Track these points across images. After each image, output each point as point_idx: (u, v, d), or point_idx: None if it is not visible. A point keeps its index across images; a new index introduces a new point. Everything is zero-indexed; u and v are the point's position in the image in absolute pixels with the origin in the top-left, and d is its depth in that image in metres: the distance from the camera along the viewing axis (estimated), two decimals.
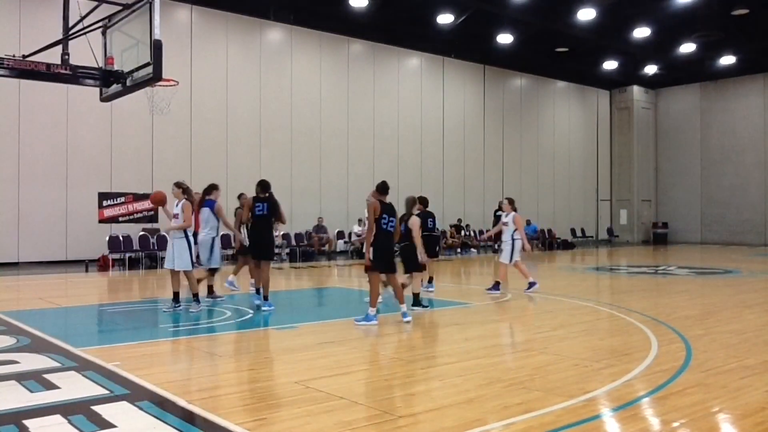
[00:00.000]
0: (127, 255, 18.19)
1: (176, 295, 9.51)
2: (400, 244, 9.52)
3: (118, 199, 18.67)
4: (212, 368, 6.02)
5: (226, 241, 16.14)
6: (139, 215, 19.00)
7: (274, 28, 22.05)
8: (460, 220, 25.65)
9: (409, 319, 8.40)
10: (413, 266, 9.69)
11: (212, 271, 10.67)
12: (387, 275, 8.52)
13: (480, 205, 27.18)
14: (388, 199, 8.45)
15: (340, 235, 22.83)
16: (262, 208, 9.59)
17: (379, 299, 8.99)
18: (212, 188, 10.56)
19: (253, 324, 8.76)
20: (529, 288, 11.72)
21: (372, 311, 8.25)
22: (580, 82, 32.28)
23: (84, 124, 18.07)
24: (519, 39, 24.47)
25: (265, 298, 9.61)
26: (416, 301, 9.73)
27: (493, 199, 26.77)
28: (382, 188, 8.41)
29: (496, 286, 11.79)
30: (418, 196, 10.91)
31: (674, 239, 32.68)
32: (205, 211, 10.35)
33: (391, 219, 8.36)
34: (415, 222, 9.48)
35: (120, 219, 18.65)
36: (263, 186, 9.72)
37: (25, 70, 7.42)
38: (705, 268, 17.91)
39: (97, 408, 4.53)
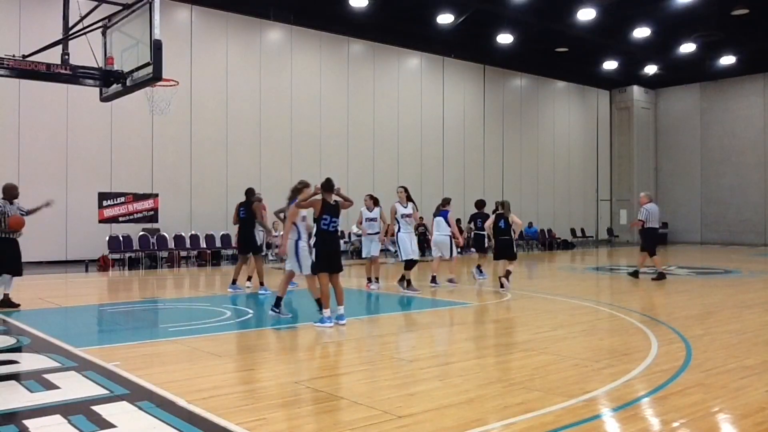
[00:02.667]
0: (127, 255, 18.19)
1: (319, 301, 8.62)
2: (502, 237, 12.29)
3: (118, 199, 18.67)
4: (212, 368, 6.02)
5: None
6: (139, 215, 19.01)
7: (274, 28, 22.05)
8: (459, 221, 25.61)
9: (344, 321, 8.09)
10: (513, 255, 12.33)
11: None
12: (331, 275, 8.14)
13: None
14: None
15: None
16: (245, 212, 11.80)
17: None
18: (447, 202, 12.84)
19: (253, 324, 8.77)
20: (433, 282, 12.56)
21: (326, 313, 7.96)
22: (580, 82, 32.28)
23: (84, 124, 18.06)
24: (519, 39, 24.47)
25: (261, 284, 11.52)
26: (507, 276, 12.09)
27: (493, 199, 26.74)
28: (326, 186, 8.17)
29: (437, 280, 12.55)
30: (477, 200, 14.91)
31: (674, 239, 32.67)
32: (440, 220, 12.53)
33: (333, 219, 8.08)
34: (516, 219, 12.32)
35: (120, 219, 18.65)
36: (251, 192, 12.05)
37: (25, 70, 7.42)
38: (705, 268, 17.90)
39: (97, 408, 4.52)
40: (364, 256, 12.60)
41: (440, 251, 12.57)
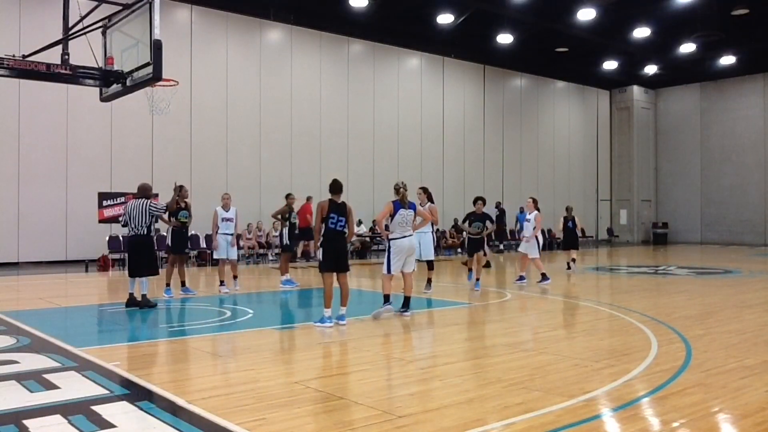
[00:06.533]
0: (127, 255, 18.14)
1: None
2: (569, 233, 16.49)
3: (118, 199, 18.65)
4: (212, 368, 6.02)
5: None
6: None
7: (274, 28, 22.05)
8: (456, 220, 25.61)
9: (344, 322, 8.11)
10: (577, 246, 16.76)
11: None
12: (338, 274, 8.23)
13: None
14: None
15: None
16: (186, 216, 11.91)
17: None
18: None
19: (253, 324, 8.76)
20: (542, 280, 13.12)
21: (327, 312, 7.99)
22: (580, 82, 32.27)
23: (84, 124, 18.06)
24: (519, 39, 24.46)
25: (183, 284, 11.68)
26: (569, 267, 15.86)
27: (493, 199, 26.75)
28: (332, 187, 8.26)
29: (544, 276, 13.14)
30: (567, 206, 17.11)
31: (674, 239, 32.67)
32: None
33: (340, 218, 8.10)
34: (579, 221, 16.48)
35: (120, 219, 18.61)
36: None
37: (25, 70, 7.42)
38: (705, 268, 17.91)
39: (97, 408, 4.52)
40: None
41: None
